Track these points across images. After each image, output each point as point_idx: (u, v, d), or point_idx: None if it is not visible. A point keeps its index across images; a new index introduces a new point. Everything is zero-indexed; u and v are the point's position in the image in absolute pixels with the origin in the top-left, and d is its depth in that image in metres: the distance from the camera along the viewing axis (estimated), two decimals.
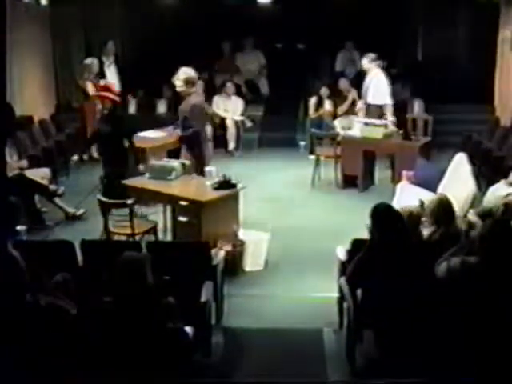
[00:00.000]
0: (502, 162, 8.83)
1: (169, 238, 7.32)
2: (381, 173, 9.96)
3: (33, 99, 11.36)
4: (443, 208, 5.36)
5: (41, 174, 8.50)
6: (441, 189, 7.05)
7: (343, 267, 5.60)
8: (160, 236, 7.16)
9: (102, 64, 11.48)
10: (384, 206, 5.03)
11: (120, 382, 3.85)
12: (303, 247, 7.58)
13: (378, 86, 10.10)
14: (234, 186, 7.13)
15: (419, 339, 4.30)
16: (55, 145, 10.47)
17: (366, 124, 9.63)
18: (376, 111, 10.15)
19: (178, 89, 8.11)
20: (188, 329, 4.39)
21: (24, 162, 8.66)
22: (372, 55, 10.25)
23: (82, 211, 8.49)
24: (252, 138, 11.83)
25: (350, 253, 5.51)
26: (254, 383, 4.84)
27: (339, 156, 9.81)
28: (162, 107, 12.66)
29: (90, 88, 10.92)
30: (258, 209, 8.48)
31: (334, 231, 7.83)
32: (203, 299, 5.08)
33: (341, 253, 5.82)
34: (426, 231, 5.66)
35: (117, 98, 8.54)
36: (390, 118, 10.05)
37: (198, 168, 7.80)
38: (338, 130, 10.10)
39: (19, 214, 7.74)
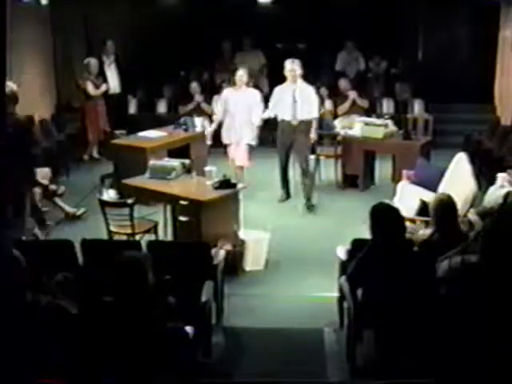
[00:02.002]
0: (502, 162, 8.82)
1: (169, 237, 7.32)
2: (381, 172, 9.96)
3: (33, 99, 11.34)
4: (444, 208, 5.36)
5: (41, 174, 8.48)
6: (441, 188, 7.05)
7: (343, 267, 5.60)
8: (160, 235, 7.16)
9: (102, 64, 11.49)
10: (384, 206, 5.03)
11: (120, 382, 3.85)
12: (303, 247, 7.59)
13: (311, 98, 8.82)
14: (234, 185, 7.13)
15: (420, 339, 4.30)
16: (56, 145, 10.48)
17: (367, 124, 9.63)
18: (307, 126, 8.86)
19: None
20: (188, 328, 4.39)
21: None
22: (298, 61, 8.81)
23: (82, 211, 8.51)
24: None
25: (351, 252, 5.51)
26: (255, 383, 4.84)
27: (340, 155, 9.82)
28: (162, 107, 12.68)
29: (91, 88, 10.93)
30: (258, 208, 8.49)
31: (334, 231, 7.85)
32: (203, 299, 5.08)
33: (341, 252, 5.82)
34: (427, 231, 5.67)
35: None
36: (313, 134, 8.94)
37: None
38: (339, 129, 10.08)
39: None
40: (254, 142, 9.22)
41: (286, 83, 8.85)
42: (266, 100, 12.60)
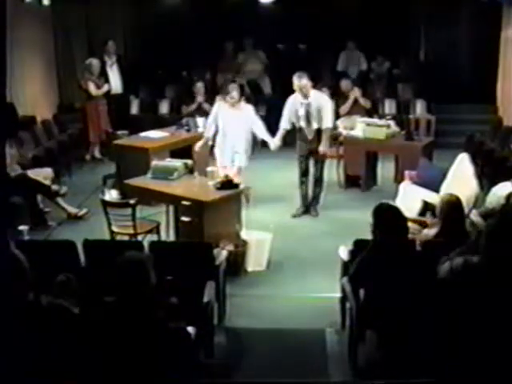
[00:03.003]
0: (504, 162, 8.82)
1: (171, 237, 7.33)
2: (383, 173, 9.96)
3: (35, 99, 11.38)
4: (452, 209, 5.35)
5: (43, 174, 8.50)
6: (443, 189, 7.04)
7: (346, 267, 5.60)
8: (162, 236, 7.16)
9: (104, 64, 11.50)
10: (387, 206, 5.03)
11: (121, 382, 3.85)
12: (305, 247, 7.59)
13: (325, 109, 8.39)
14: (236, 186, 7.13)
15: (421, 340, 4.30)
16: (58, 145, 10.51)
17: (369, 124, 9.62)
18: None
19: None
20: (190, 329, 4.38)
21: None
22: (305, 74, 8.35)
23: (84, 211, 8.51)
24: (254, 137, 11.80)
25: (353, 253, 5.51)
26: (256, 383, 4.84)
27: (342, 156, 9.83)
28: (164, 107, 12.70)
29: (92, 88, 10.93)
30: (260, 209, 8.48)
31: (336, 231, 7.85)
32: (205, 299, 5.08)
33: (343, 253, 5.82)
34: (431, 231, 5.66)
35: None
36: (323, 146, 8.44)
37: None
38: (341, 130, 10.07)
39: (21, 213, 7.75)
40: (244, 164, 8.65)
41: (299, 95, 8.41)
42: (269, 99, 12.75)
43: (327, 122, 8.42)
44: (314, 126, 8.43)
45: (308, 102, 8.37)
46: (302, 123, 8.47)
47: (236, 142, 8.57)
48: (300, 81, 8.29)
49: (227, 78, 12.47)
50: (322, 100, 8.48)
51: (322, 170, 8.73)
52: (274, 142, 8.54)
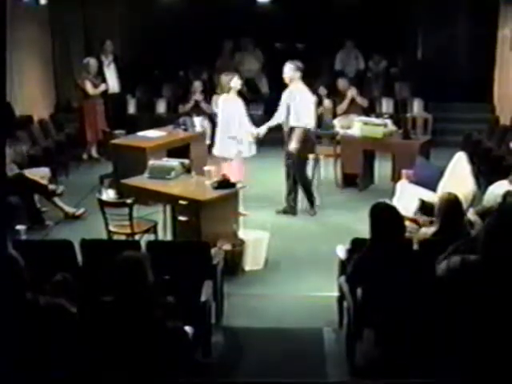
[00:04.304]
0: (501, 161, 8.83)
1: (169, 237, 7.32)
2: (380, 172, 9.96)
3: (32, 99, 11.38)
4: (451, 207, 5.35)
5: (40, 174, 8.50)
6: (440, 188, 7.05)
7: (343, 266, 5.60)
8: (160, 235, 7.16)
9: (101, 63, 11.49)
10: (383, 205, 5.03)
11: (120, 382, 3.85)
12: (303, 246, 7.59)
13: (302, 105, 8.20)
14: (233, 185, 7.13)
15: (419, 338, 4.30)
16: (55, 144, 10.50)
17: (366, 123, 9.63)
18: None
19: None
20: (188, 328, 4.39)
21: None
22: (298, 63, 8.19)
23: (81, 211, 8.50)
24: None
25: (350, 252, 5.51)
26: (254, 383, 4.84)
27: (339, 155, 9.83)
28: (161, 107, 12.70)
29: (89, 87, 10.92)
30: (257, 208, 8.48)
31: (333, 230, 7.86)
32: (203, 299, 5.08)
33: (341, 252, 5.82)
34: (429, 230, 5.66)
35: None
36: (293, 144, 8.17)
37: None
38: (338, 129, 10.07)
39: (19, 213, 7.75)
40: (247, 154, 8.65)
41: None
42: (266, 98, 12.74)
43: (301, 120, 8.18)
44: (290, 120, 8.25)
45: (289, 92, 8.24)
46: (282, 116, 8.34)
47: (240, 129, 8.51)
48: (285, 68, 8.23)
49: None
50: (299, 96, 8.21)
51: (298, 171, 8.44)
52: (258, 131, 8.49)
